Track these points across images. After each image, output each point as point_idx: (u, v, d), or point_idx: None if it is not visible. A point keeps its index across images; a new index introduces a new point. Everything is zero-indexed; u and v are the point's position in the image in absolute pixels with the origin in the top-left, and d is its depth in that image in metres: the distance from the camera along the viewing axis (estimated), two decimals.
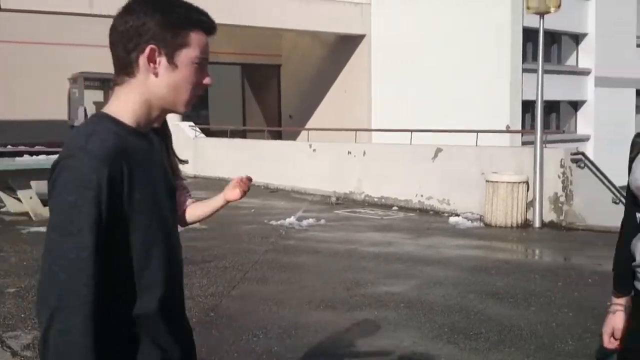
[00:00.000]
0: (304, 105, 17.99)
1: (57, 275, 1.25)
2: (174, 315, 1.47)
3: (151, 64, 1.36)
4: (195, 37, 1.38)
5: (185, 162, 2.50)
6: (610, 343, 2.05)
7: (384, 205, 12.25)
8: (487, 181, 10.18)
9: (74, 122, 15.24)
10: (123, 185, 1.30)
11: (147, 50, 1.35)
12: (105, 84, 15.40)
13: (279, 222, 9.83)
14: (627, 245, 1.97)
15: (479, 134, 11.49)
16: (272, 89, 19.36)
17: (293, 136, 16.96)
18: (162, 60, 1.35)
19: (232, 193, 2.06)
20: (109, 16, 1.66)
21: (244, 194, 2.07)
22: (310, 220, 10.07)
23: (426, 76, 14.94)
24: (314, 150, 13.84)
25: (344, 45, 16.88)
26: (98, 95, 15.91)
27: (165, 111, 1.42)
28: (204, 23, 1.41)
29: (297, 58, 18.56)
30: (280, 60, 19.12)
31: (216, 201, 2.11)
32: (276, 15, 15.23)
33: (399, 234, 9.32)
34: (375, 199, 12.59)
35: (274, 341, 4.61)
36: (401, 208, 11.92)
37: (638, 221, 1.94)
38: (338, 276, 6.58)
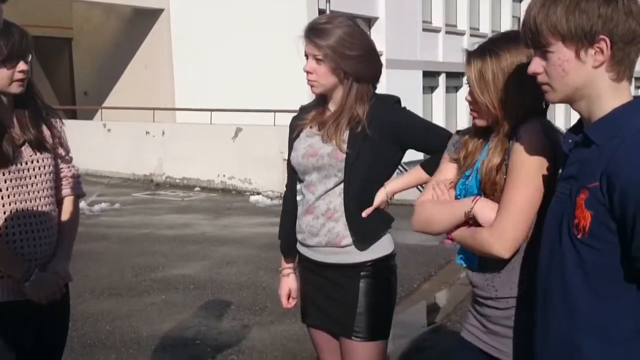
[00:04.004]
0: (101, 82, 16.88)
1: None
2: None
3: None
4: None
5: None
6: (288, 303, 2.29)
7: (187, 186, 12.06)
8: (284, 160, 10.46)
9: None
10: None
11: None
12: None
13: None
14: (290, 216, 2.19)
15: (276, 114, 11.76)
16: (63, 64, 17.84)
17: (90, 115, 15.87)
18: None
19: None
20: None
21: None
22: (104, 205, 9.57)
23: (227, 55, 14.85)
24: (109, 130, 13.11)
25: (142, 20, 16.09)
26: None
27: None
28: None
29: (91, 31, 17.31)
30: (71, 34, 17.67)
31: None
32: None
33: (197, 215, 9.24)
34: (177, 180, 12.34)
35: None
36: (204, 189, 11.83)
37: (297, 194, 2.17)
38: (127, 262, 6.34)
